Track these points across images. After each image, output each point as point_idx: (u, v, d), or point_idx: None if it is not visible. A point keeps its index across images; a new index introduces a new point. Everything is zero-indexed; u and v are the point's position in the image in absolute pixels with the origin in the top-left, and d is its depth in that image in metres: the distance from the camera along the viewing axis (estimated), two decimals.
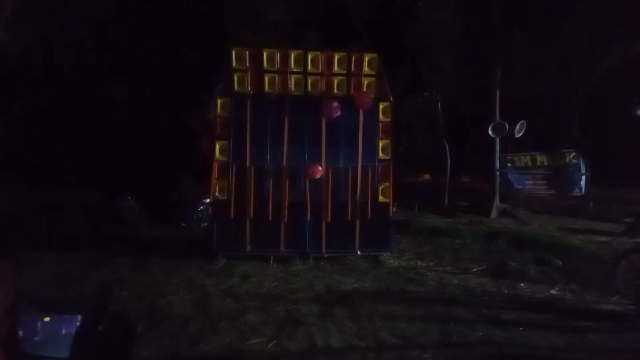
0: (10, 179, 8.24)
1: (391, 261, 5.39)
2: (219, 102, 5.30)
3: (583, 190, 8.81)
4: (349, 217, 5.28)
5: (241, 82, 5.28)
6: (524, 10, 8.32)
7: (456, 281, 4.74)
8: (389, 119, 5.43)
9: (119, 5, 9.19)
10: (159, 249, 5.66)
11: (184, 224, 7.10)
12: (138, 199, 7.50)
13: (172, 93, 9.37)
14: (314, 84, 5.33)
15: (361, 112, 5.34)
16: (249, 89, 5.29)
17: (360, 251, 5.34)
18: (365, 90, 5.34)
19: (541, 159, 9.14)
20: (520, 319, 3.69)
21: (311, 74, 5.31)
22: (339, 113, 5.21)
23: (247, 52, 5.25)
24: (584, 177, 8.75)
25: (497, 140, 8.55)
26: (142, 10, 9.28)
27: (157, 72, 9.42)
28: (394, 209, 5.55)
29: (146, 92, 9.68)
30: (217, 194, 5.23)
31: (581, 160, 8.79)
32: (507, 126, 8.20)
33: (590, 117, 9.39)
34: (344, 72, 5.34)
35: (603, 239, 6.51)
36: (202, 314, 3.58)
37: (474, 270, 5.14)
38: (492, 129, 8.33)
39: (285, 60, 5.25)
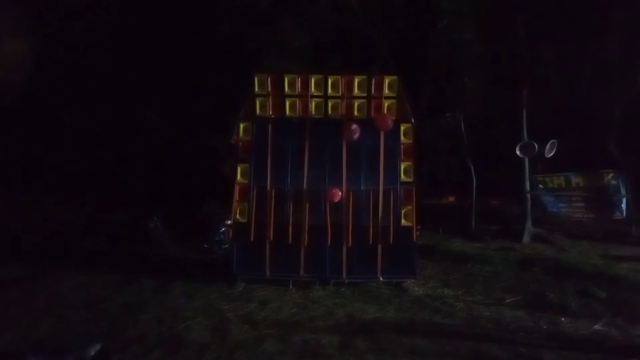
0: (38, 199, 8.72)
1: (416, 289, 5.13)
2: (241, 126, 5.42)
3: (624, 214, 8.19)
4: (371, 242, 5.13)
5: (263, 106, 5.39)
6: (552, 23, 8.09)
7: (488, 313, 4.40)
8: (410, 141, 5.34)
9: (147, 32, 9.78)
10: (181, 270, 5.70)
11: (206, 246, 7.17)
12: (164, 220, 7.69)
13: (198, 117, 9.74)
14: (334, 107, 5.36)
15: (382, 134, 5.29)
16: (271, 113, 5.40)
17: (383, 277, 5.14)
18: (385, 112, 5.31)
19: (576, 179, 8.62)
20: (562, 359, 3.35)
21: (331, 97, 5.36)
22: (358, 135, 5.18)
23: (269, 78, 5.39)
24: (624, 199, 8.15)
25: (527, 160, 8.18)
26: (170, 37, 9.85)
27: (184, 97, 9.86)
28: (418, 232, 5.34)
29: (172, 116, 10.12)
30: (237, 216, 5.26)
31: (621, 181, 8.23)
32: (536, 146, 7.85)
33: (629, 133, 8.82)
34: (364, 94, 5.35)
35: None
36: (220, 341, 3.51)
37: (508, 301, 4.77)
38: (521, 149, 7.98)
39: (306, 84, 5.35)
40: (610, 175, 8.34)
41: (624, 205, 8.16)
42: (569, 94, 8.99)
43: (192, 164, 9.75)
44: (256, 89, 5.40)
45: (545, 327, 4.08)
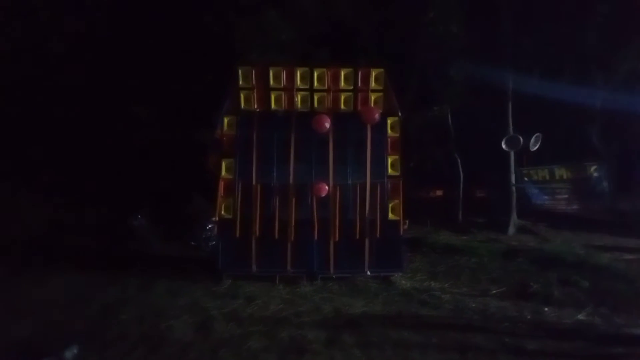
0: (21, 196, 8.44)
1: (403, 282, 5.14)
2: (225, 120, 5.31)
3: (606, 205, 8.40)
4: (358, 236, 5.11)
5: (247, 100, 5.29)
6: (536, 17, 8.16)
7: (474, 304, 4.45)
8: (397, 134, 5.31)
9: (130, 27, 9.52)
10: (166, 268, 5.59)
11: (193, 243, 7.06)
12: (149, 217, 7.53)
13: (183, 112, 9.54)
14: (320, 101, 5.29)
15: (369, 127, 5.25)
16: (256, 106, 5.29)
17: (370, 271, 5.13)
18: (372, 105, 5.26)
19: (560, 172, 8.80)
20: (546, 348, 3.41)
21: (318, 90, 5.28)
22: (327, 127, 5.09)
23: (253, 71, 5.28)
24: (607, 191, 8.35)
25: (512, 154, 8.28)
26: (153, 31, 9.59)
27: (168, 92, 9.64)
28: (405, 226, 5.34)
29: (157, 111, 9.89)
30: (223, 212, 5.16)
31: (603, 173, 8.41)
32: (521, 139, 7.95)
33: (611, 126, 9.02)
34: (351, 87, 5.29)
35: (631, 256, 6.12)
36: (203, 339, 3.45)
37: (493, 292, 4.84)
38: (506, 143, 8.09)
39: (291, 77, 5.26)
40: (593, 168, 8.51)
41: (606, 197, 8.35)
42: (552, 88, 9.11)
43: (178, 160, 9.57)
44: (240, 82, 5.28)
45: (529, 316, 4.14)
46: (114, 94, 9.77)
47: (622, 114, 9.00)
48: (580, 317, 4.12)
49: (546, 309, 4.32)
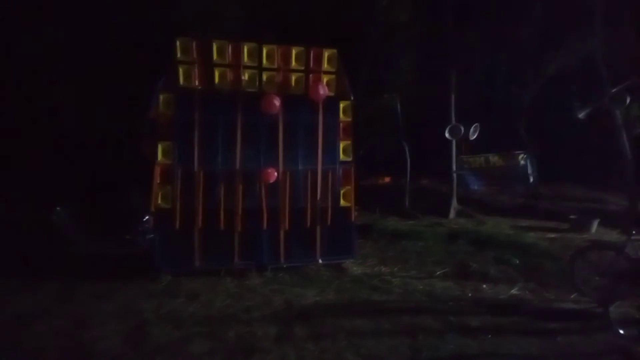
0: None
1: (354, 268, 5.12)
2: (161, 98, 4.70)
3: (531, 189, 9.29)
4: (309, 224, 4.93)
5: (187, 76, 4.72)
6: (477, 14, 8.60)
7: (421, 287, 4.58)
8: (349, 119, 5.16)
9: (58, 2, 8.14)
10: (93, 269, 4.91)
11: (127, 237, 6.31)
12: (72, 210, 6.57)
13: (116, 95, 8.45)
14: (269, 80, 4.92)
15: (321, 110, 5.03)
16: (197, 83, 4.76)
17: (322, 259, 5.00)
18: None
19: (493, 160, 9.49)
20: (487, 324, 3.59)
21: (267, 69, 4.90)
22: (277, 108, 4.80)
23: (194, 43, 4.72)
24: (532, 177, 9.22)
25: (453, 142, 8.72)
26: (83, 5, 8.30)
27: (99, 74, 8.46)
28: (356, 213, 5.29)
29: (86, 95, 8.66)
30: (159, 202, 4.61)
31: (529, 161, 9.26)
32: (462, 128, 8.38)
33: (538, 119, 9.98)
34: (302, 68, 5.00)
35: (553, 235, 6.84)
36: (134, 348, 3.01)
37: (438, 273, 5.03)
38: (449, 131, 8.48)
39: (238, 53, 4.79)
40: (520, 156, 9.32)
41: (531, 182, 9.24)
42: (489, 81, 9.77)
43: (111, 146, 8.53)
44: (179, 55, 4.69)
45: (470, 294, 4.39)
46: (33, 73, 8.33)
47: (546, 108, 10.02)
48: (514, 292, 4.46)
49: (484, 286, 4.62)
